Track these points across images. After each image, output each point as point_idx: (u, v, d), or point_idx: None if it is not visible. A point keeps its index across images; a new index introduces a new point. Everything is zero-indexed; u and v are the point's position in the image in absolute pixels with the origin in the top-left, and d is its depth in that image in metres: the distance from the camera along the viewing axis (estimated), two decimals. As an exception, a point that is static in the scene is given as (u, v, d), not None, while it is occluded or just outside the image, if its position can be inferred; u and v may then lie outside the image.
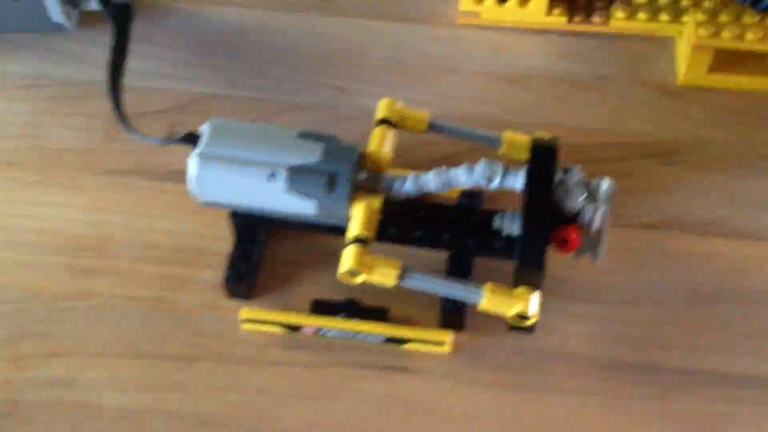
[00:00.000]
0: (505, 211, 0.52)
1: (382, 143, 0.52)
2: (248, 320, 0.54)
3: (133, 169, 0.61)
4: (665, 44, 0.68)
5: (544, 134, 0.53)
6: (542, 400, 0.52)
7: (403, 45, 0.69)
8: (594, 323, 0.55)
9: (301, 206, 0.50)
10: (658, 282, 0.56)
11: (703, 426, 0.51)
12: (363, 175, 0.51)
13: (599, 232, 0.50)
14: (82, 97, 0.65)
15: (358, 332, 0.53)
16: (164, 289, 0.56)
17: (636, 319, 0.55)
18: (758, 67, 0.65)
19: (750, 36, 0.62)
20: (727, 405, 0.52)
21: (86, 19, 0.69)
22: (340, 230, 0.51)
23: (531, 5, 0.68)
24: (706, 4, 0.65)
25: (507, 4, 0.68)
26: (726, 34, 0.62)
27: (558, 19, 0.69)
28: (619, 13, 0.68)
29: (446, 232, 0.53)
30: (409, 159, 0.61)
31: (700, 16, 0.64)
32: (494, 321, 0.50)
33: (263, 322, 0.53)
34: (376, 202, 0.50)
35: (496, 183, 0.50)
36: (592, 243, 0.50)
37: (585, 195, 0.49)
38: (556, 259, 0.51)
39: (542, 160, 0.50)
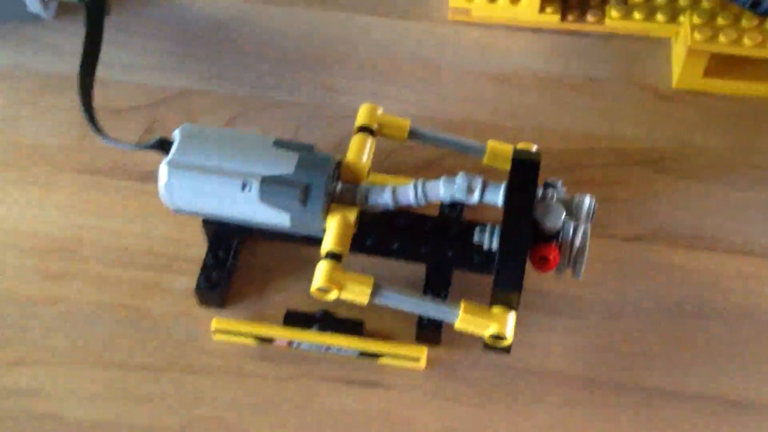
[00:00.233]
0: (486, 224, 0.50)
1: (360, 153, 0.51)
2: (220, 331, 0.52)
3: (110, 168, 0.60)
4: (661, 45, 0.66)
5: (527, 145, 0.51)
6: (519, 416, 0.51)
7: (391, 41, 0.67)
8: (575, 337, 0.53)
9: (275, 217, 0.49)
10: (641, 295, 0.55)
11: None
12: (339, 185, 0.50)
13: (580, 250, 0.48)
14: (59, 89, 0.63)
15: (332, 346, 0.52)
16: (135, 296, 0.54)
17: (618, 334, 0.54)
18: (755, 71, 0.63)
19: (747, 41, 0.60)
20: (710, 422, 0.51)
21: (64, 9, 0.67)
22: (317, 240, 0.49)
23: (523, 2, 0.66)
24: (704, 5, 0.63)
25: (498, 1, 0.66)
26: (723, 38, 0.60)
27: (551, 18, 0.66)
28: (613, 12, 0.66)
29: (424, 244, 0.52)
30: (391, 163, 0.59)
31: (696, 18, 0.61)
32: (472, 335, 0.49)
33: (235, 333, 0.52)
34: (352, 214, 0.49)
35: (475, 198, 0.48)
36: (572, 260, 0.49)
37: (565, 213, 0.48)
38: (537, 273, 0.49)
39: (523, 176, 0.48)
